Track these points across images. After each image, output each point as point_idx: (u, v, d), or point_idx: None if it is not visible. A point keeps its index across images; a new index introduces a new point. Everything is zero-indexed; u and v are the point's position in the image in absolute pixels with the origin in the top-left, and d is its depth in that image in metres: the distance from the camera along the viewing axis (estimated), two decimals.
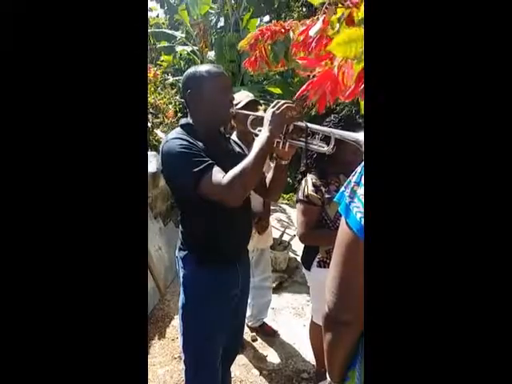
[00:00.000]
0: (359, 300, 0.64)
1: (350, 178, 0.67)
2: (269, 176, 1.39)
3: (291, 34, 1.29)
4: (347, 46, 0.65)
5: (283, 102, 1.18)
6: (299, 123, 1.18)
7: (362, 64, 0.67)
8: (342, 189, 0.68)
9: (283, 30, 1.29)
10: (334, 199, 0.70)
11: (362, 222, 0.60)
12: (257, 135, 1.20)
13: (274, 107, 1.17)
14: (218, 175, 1.10)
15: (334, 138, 1.12)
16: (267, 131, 1.14)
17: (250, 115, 1.34)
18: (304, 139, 1.18)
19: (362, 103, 0.76)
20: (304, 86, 0.82)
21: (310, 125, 1.18)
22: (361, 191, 0.63)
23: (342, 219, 0.65)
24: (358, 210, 0.61)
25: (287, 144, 1.20)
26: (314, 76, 0.82)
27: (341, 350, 0.71)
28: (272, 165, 1.36)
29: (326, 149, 1.16)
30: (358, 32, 0.64)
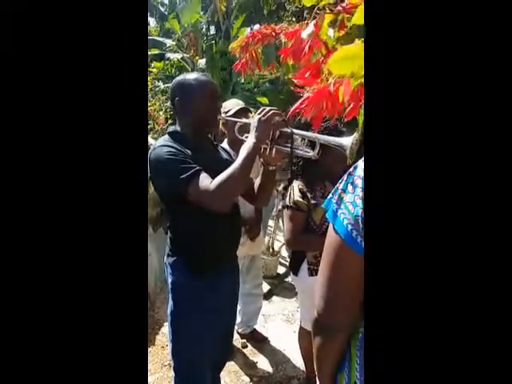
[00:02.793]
0: (348, 304, 0.65)
1: (338, 185, 0.68)
2: (257, 182, 1.40)
3: (282, 37, 1.31)
4: (344, 63, 0.64)
5: (269, 108, 1.20)
6: (285, 129, 1.20)
7: (359, 80, 0.66)
8: (330, 196, 0.69)
9: (274, 34, 1.31)
10: (322, 206, 0.72)
11: (349, 228, 0.61)
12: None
13: (260, 114, 1.19)
14: (206, 181, 1.11)
15: (319, 144, 1.15)
16: (253, 137, 1.16)
17: (237, 122, 1.36)
18: (290, 145, 1.20)
19: (361, 120, 0.75)
20: (299, 102, 0.80)
21: (295, 130, 1.20)
22: (347, 198, 0.64)
23: (330, 225, 0.66)
24: (344, 216, 0.63)
25: (274, 150, 1.22)
26: (306, 92, 0.80)
27: (330, 354, 0.71)
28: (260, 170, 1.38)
29: (311, 154, 1.18)
30: (355, 49, 0.63)
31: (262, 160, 1.30)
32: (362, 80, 0.65)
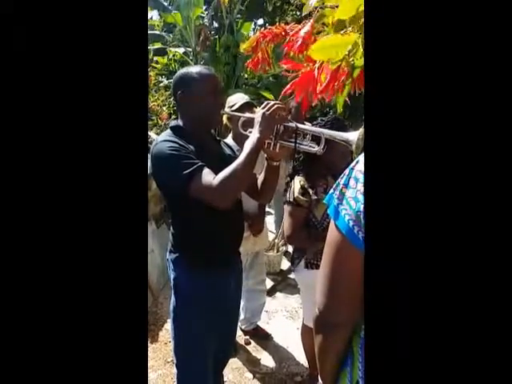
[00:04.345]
0: (349, 301, 0.64)
1: (339, 180, 0.67)
2: (260, 177, 1.38)
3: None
4: (324, 51, 0.74)
5: (273, 102, 1.18)
6: (289, 124, 1.18)
7: (336, 65, 0.77)
8: (331, 191, 0.68)
9: (284, 33, 1.31)
10: (324, 201, 0.71)
11: (351, 224, 0.60)
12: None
13: (263, 108, 1.17)
14: (209, 177, 1.10)
15: (324, 139, 1.13)
16: (257, 132, 1.14)
17: (241, 117, 1.34)
18: (294, 140, 1.18)
19: (339, 101, 0.86)
20: (288, 86, 0.87)
21: (300, 125, 1.18)
22: (349, 193, 0.63)
23: (331, 221, 0.65)
24: (346, 212, 0.62)
25: (278, 145, 1.20)
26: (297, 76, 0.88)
27: (332, 352, 0.71)
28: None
29: (316, 149, 1.16)
30: (332, 39, 0.73)
31: (265, 155, 1.28)
32: (338, 64, 0.78)
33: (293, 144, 1.19)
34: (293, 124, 1.18)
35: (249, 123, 1.27)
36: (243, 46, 1.43)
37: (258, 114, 1.17)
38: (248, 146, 1.12)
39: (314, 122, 1.63)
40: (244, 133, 1.29)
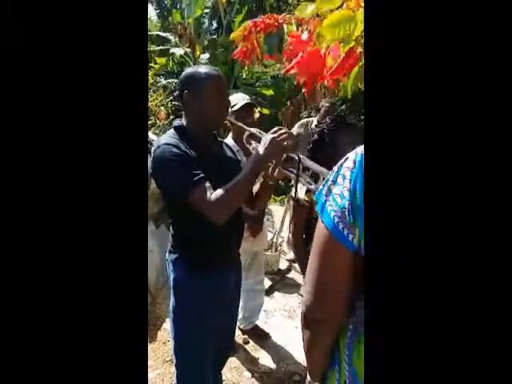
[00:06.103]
0: (334, 297, 0.65)
1: (328, 176, 0.67)
2: (255, 188, 1.39)
3: (285, 27, 1.27)
4: (336, 28, 0.68)
5: (284, 130, 1.17)
6: (293, 155, 1.17)
7: (348, 46, 0.71)
8: (321, 187, 0.68)
9: (276, 24, 1.27)
10: (314, 197, 0.71)
11: (336, 221, 0.61)
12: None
13: (274, 133, 1.16)
14: (207, 192, 1.11)
15: (322, 178, 1.13)
16: (262, 155, 1.13)
17: (245, 130, 1.35)
18: (295, 171, 1.16)
19: (349, 84, 0.80)
20: (291, 64, 0.84)
21: (302, 158, 1.16)
22: (336, 190, 0.63)
23: (319, 218, 0.66)
24: (331, 208, 0.62)
25: (277, 170, 1.21)
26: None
27: (319, 348, 0.71)
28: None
29: (313, 186, 1.14)
30: (347, 14, 0.67)
31: (263, 173, 1.29)
32: (351, 45, 0.71)
33: (292, 175, 1.18)
34: (296, 156, 1.16)
35: (253, 137, 1.27)
36: (233, 35, 1.38)
37: (267, 137, 1.16)
38: (249, 165, 1.13)
39: (321, 123, 1.62)
40: (247, 146, 1.29)
